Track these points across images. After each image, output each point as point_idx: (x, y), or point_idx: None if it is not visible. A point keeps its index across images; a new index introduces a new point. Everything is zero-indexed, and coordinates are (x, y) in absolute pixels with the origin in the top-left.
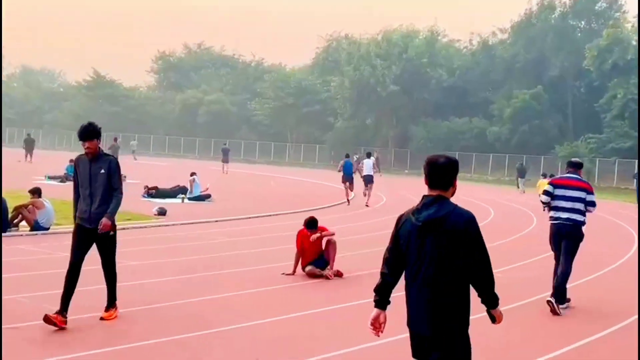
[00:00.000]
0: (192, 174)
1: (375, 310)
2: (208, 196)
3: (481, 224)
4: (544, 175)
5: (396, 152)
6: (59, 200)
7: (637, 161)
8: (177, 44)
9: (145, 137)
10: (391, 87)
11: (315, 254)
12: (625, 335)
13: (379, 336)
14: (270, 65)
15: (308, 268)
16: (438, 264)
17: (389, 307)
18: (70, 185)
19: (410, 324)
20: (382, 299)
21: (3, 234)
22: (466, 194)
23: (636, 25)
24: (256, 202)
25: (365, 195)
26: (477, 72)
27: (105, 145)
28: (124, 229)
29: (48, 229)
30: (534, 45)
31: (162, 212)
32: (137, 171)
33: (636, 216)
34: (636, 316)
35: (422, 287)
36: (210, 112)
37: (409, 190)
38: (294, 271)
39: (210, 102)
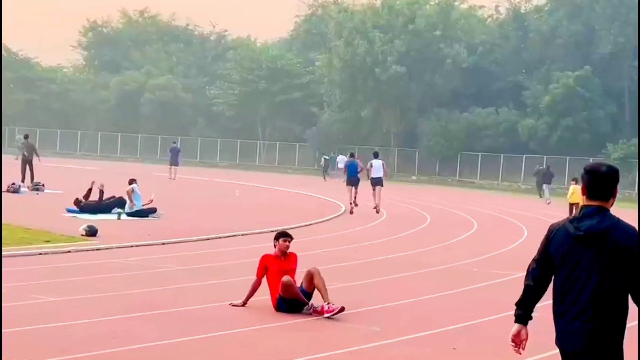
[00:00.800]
0: (132, 181)
1: (516, 326)
2: (153, 210)
3: (513, 248)
4: (575, 180)
5: (401, 153)
6: None
7: (637, 161)
8: (113, 10)
9: (70, 133)
10: (394, 68)
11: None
12: None
13: (520, 354)
14: (236, 39)
15: (286, 278)
16: (597, 276)
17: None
18: None
19: (561, 340)
20: (525, 313)
21: None
22: (491, 206)
23: None
24: (216, 218)
25: (374, 198)
26: (505, 49)
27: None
28: (40, 254)
29: None
30: (579, 14)
31: (91, 232)
32: (59, 178)
33: None
34: None
35: (578, 300)
36: (156, 100)
37: (417, 200)
38: (245, 302)
39: (156, 88)
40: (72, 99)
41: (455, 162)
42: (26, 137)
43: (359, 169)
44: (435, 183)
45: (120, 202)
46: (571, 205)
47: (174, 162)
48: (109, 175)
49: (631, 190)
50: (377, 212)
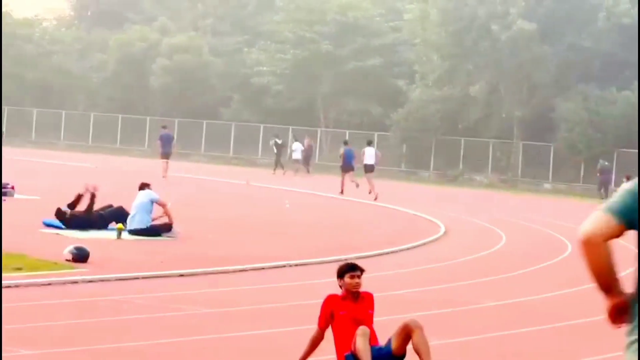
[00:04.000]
0: (144, 186)
1: None
2: (167, 227)
3: None
4: (628, 178)
5: (528, 149)
6: None
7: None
8: None
9: (51, 113)
10: (519, 24)
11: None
12: None
13: None
14: None
15: (363, 330)
16: None
17: None
18: None
19: None
20: None
21: None
22: None
23: None
24: (256, 239)
25: (357, 186)
26: None
27: None
28: (8, 287)
29: None
30: None
31: (80, 256)
32: (34, 177)
33: None
34: None
35: None
36: (173, 68)
37: (552, 219)
38: None
39: (173, 50)
40: (55, 64)
41: (611, 164)
42: None
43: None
44: (579, 194)
45: (119, 214)
46: None
47: (167, 154)
48: (105, 175)
49: None
50: (375, 199)
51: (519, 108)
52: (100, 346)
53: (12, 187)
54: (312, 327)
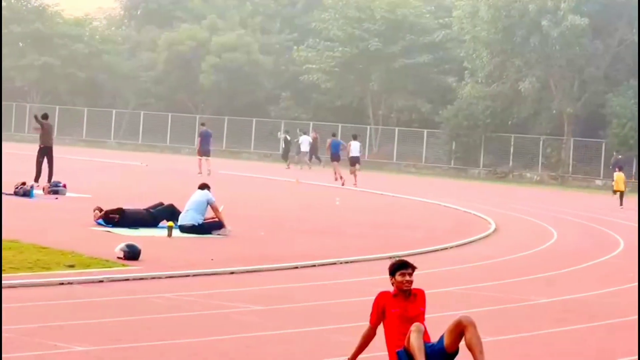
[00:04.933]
0: (204, 186)
1: None
2: (218, 225)
3: None
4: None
5: (579, 146)
6: None
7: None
8: None
9: (101, 112)
10: (570, 19)
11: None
12: None
13: None
14: None
15: (418, 327)
16: None
17: None
18: None
19: None
20: None
21: None
22: None
23: None
24: (306, 237)
25: (352, 174)
26: None
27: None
28: (61, 284)
29: None
30: None
31: (131, 254)
32: (86, 176)
33: None
34: None
35: None
36: (222, 66)
37: (604, 216)
38: (353, 359)
39: (222, 48)
40: (105, 64)
41: None
42: (45, 117)
43: (341, 148)
44: (631, 190)
45: (170, 212)
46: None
47: (206, 151)
48: (156, 173)
49: None
50: (355, 185)
51: (569, 104)
52: (152, 343)
53: (64, 186)
54: (364, 324)
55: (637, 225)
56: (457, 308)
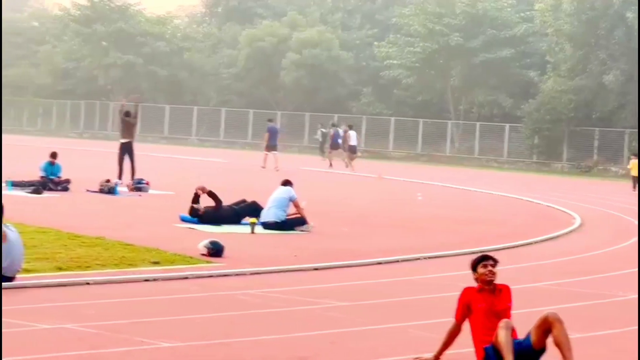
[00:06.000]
0: (286, 182)
1: None
2: (301, 221)
3: None
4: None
5: None
6: (33, 227)
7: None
8: None
9: (183, 109)
10: None
11: (495, 330)
12: None
13: None
14: None
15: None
16: None
17: None
18: (51, 197)
19: None
20: None
21: None
22: None
23: None
24: (388, 233)
25: (349, 160)
26: None
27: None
28: (146, 280)
29: (12, 278)
30: None
31: (215, 251)
32: (168, 173)
33: None
34: None
35: None
36: (303, 62)
37: None
38: (439, 355)
39: (303, 44)
40: (186, 61)
41: None
42: (127, 114)
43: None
44: None
45: (253, 209)
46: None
47: (273, 146)
48: (237, 170)
49: None
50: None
51: None
52: (237, 340)
53: (147, 183)
54: (447, 320)
55: None
56: (543, 304)
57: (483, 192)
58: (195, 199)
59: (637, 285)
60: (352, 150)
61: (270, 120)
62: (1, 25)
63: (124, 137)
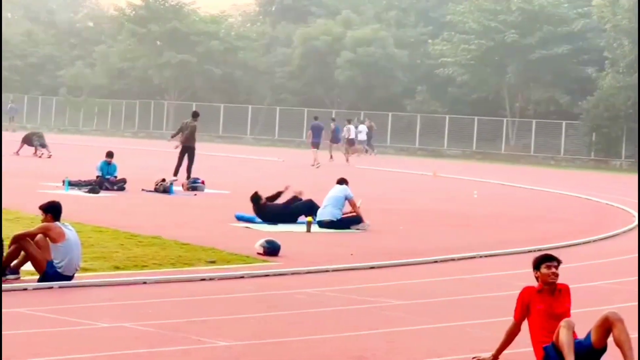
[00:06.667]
0: (342, 181)
1: None
2: (356, 220)
3: None
4: None
5: None
6: (90, 227)
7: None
8: None
9: (237, 109)
10: None
11: (555, 330)
12: None
13: None
14: None
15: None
16: None
17: None
18: (108, 197)
19: None
20: None
21: None
22: None
23: None
24: (445, 231)
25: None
26: None
27: (150, 122)
28: (203, 279)
29: (71, 277)
30: None
31: (272, 250)
32: (223, 172)
33: None
34: None
35: None
36: (357, 60)
37: None
38: (497, 355)
39: (357, 43)
40: (240, 60)
41: None
42: (195, 115)
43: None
44: None
45: (309, 207)
46: None
47: (316, 144)
48: (292, 169)
49: None
50: (328, 159)
51: None
52: (294, 339)
53: (203, 182)
54: (505, 319)
55: None
56: (604, 303)
57: (540, 189)
58: (276, 195)
59: None
60: (351, 143)
61: (316, 118)
62: (1, 25)
63: (187, 142)
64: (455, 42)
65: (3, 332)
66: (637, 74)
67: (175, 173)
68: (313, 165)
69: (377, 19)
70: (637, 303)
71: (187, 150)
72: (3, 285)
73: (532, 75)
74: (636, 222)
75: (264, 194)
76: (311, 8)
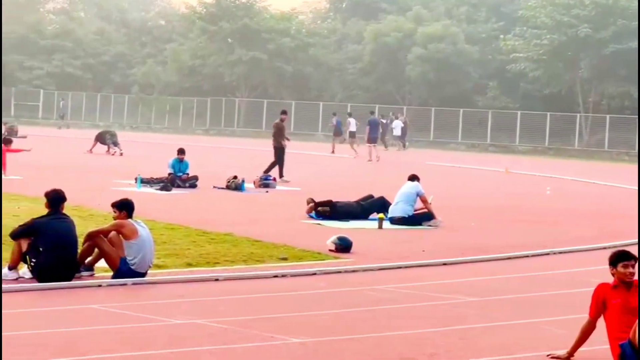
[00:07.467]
0: (413, 177)
1: None
2: (428, 216)
3: None
4: None
5: None
6: (162, 224)
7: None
8: None
9: (308, 105)
10: None
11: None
12: None
13: None
14: None
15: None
16: None
17: None
18: (180, 194)
19: None
20: None
21: (68, 282)
22: None
23: None
24: (517, 227)
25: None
26: None
27: (222, 119)
28: (275, 276)
29: (144, 274)
30: None
31: (343, 246)
32: (294, 169)
33: None
34: None
35: None
36: (428, 56)
37: None
38: (572, 353)
39: (428, 39)
40: (311, 57)
41: None
42: (282, 112)
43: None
44: None
45: (381, 204)
46: None
47: (373, 139)
48: (362, 166)
49: None
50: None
51: None
52: (367, 335)
53: (274, 179)
54: (579, 317)
55: None
56: None
57: (614, 185)
58: (327, 202)
59: None
60: (352, 136)
61: (372, 113)
62: (1, 24)
63: (274, 141)
64: (527, 38)
65: (78, 328)
66: None
67: (280, 174)
68: (370, 160)
69: (448, 15)
70: None
71: (274, 150)
72: (77, 281)
73: (606, 70)
74: None
75: (335, 191)
76: (382, 4)
